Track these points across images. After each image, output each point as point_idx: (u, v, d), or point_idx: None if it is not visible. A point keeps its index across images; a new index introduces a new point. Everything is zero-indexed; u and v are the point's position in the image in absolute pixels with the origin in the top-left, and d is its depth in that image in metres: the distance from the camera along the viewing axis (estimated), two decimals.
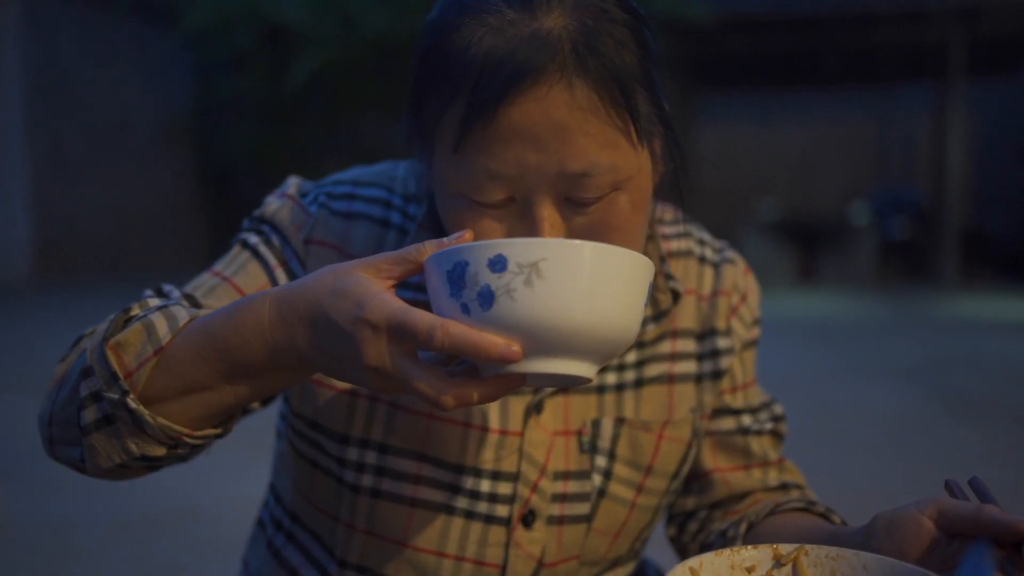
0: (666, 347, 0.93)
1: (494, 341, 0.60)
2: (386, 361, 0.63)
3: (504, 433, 0.87)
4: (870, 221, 12.16)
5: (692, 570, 0.67)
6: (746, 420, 0.97)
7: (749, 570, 0.70)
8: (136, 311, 0.77)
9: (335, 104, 11.84)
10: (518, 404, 0.88)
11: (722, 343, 0.95)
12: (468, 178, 0.74)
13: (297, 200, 0.91)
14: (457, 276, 0.61)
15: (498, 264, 0.60)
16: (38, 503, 3.00)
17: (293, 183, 0.94)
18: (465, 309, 0.61)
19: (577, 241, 0.61)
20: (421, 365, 0.63)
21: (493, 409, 0.87)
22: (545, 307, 0.60)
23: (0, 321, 8.09)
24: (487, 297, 0.60)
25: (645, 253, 0.91)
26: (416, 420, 0.86)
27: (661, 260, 0.91)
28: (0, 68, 11.32)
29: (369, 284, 0.64)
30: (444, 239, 0.67)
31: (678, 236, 0.97)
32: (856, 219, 12.19)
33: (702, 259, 0.97)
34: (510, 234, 0.76)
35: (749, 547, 0.70)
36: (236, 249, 0.91)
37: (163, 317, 0.75)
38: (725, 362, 0.95)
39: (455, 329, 0.60)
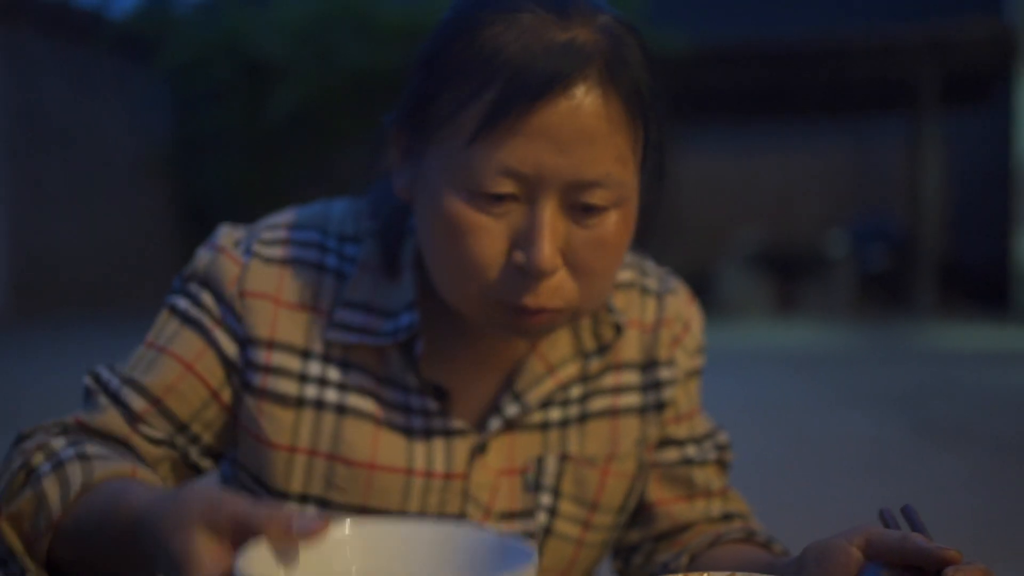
0: (609, 380, 0.93)
1: None
2: None
3: (448, 476, 0.86)
4: (848, 251, 12.26)
5: None
6: (690, 451, 0.96)
7: None
8: (38, 460, 0.76)
9: (314, 137, 11.88)
10: (462, 445, 0.87)
11: (665, 374, 0.94)
12: (479, 170, 0.74)
13: (229, 251, 0.89)
14: None
15: None
16: None
17: (224, 232, 0.91)
18: None
19: None
20: None
21: (437, 452, 0.86)
22: None
23: None
24: None
25: None
26: (356, 472, 0.85)
27: None
28: None
29: (200, 550, 0.58)
30: (305, 514, 0.58)
31: (622, 267, 0.96)
32: (834, 249, 12.28)
33: (644, 289, 0.96)
34: (509, 233, 0.76)
35: None
36: (165, 315, 0.89)
37: (56, 483, 0.74)
38: (668, 393, 0.94)
39: None
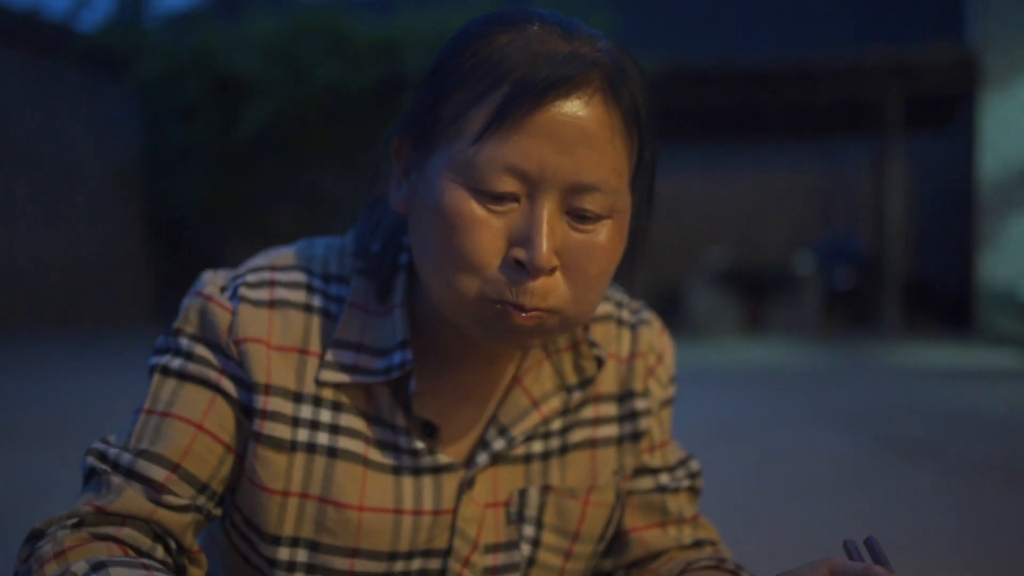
0: (589, 412, 0.95)
1: None
2: None
3: (436, 513, 0.87)
4: (815, 270, 12.40)
5: None
6: (664, 479, 0.99)
7: None
8: (51, 571, 0.76)
9: (286, 154, 11.84)
10: (451, 481, 0.88)
11: (640, 404, 0.97)
12: (483, 167, 0.76)
13: (216, 299, 0.88)
14: None
15: None
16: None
17: (207, 280, 0.90)
18: None
19: None
20: None
21: (426, 490, 0.87)
22: None
23: None
24: None
25: None
26: (347, 514, 0.85)
27: (584, 327, 0.93)
28: None
29: None
30: None
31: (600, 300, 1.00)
32: (801, 268, 12.41)
33: (620, 321, 0.99)
34: (508, 231, 0.78)
35: None
36: (157, 379, 0.87)
37: None
38: (644, 423, 0.97)
39: None
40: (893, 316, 11.61)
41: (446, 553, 0.88)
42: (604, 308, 0.99)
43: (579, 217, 0.79)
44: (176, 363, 0.86)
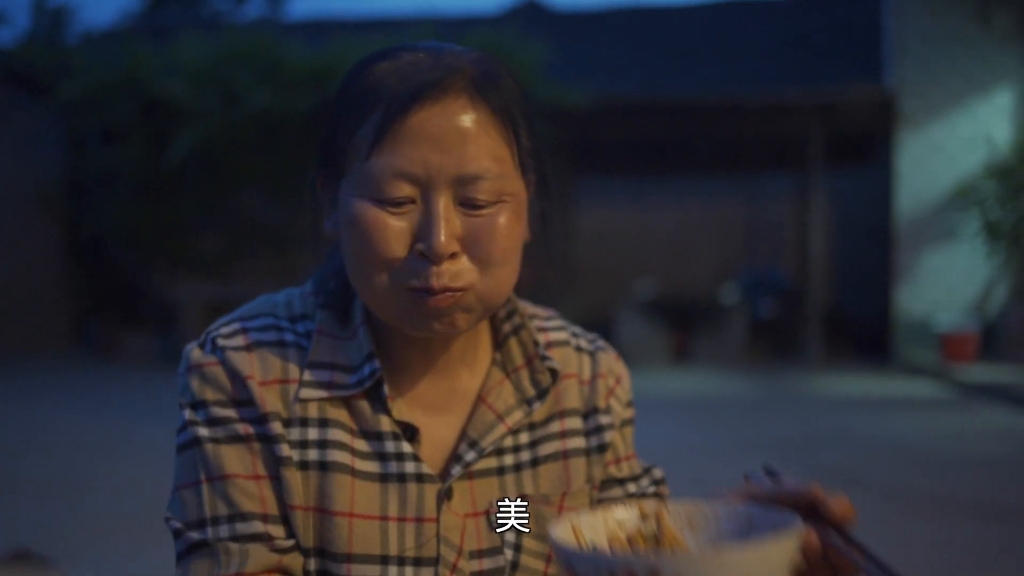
0: (556, 426, 1.02)
1: None
2: None
3: (420, 520, 0.93)
4: (740, 301, 12.66)
5: (573, 525, 0.76)
6: (631, 487, 1.07)
7: (619, 524, 0.79)
8: None
9: (216, 179, 11.66)
10: (430, 491, 0.94)
11: (604, 419, 1.05)
12: (378, 178, 0.86)
13: (204, 361, 0.93)
14: None
15: None
16: None
17: (189, 351, 0.95)
18: None
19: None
20: None
21: (411, 498, 0.93)
22: None
23: None
24: None
25: (520, 342, 1.02)
26: (339, 522, 0.91)
27: (536, 344, 1.02)
28: None
29: None
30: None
31: (556, 328, 1.08)
32: (727, 299, 12.66)
33: (579, 348, 1.08)
34: (413, 231, 0.87)
35: (618, 506, 0.80)
36: (195, 453, 0.92)
37: None
38: (608, 436, 1.04)
39: None
40: (815, 346, 11.90)
41: (435, 562, 0.93)
42: (561, 335, 1.07)
43: (473, 206, 0.87)
44: (205, 432, 0.92)
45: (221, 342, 0.93)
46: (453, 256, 0.87)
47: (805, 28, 14.43)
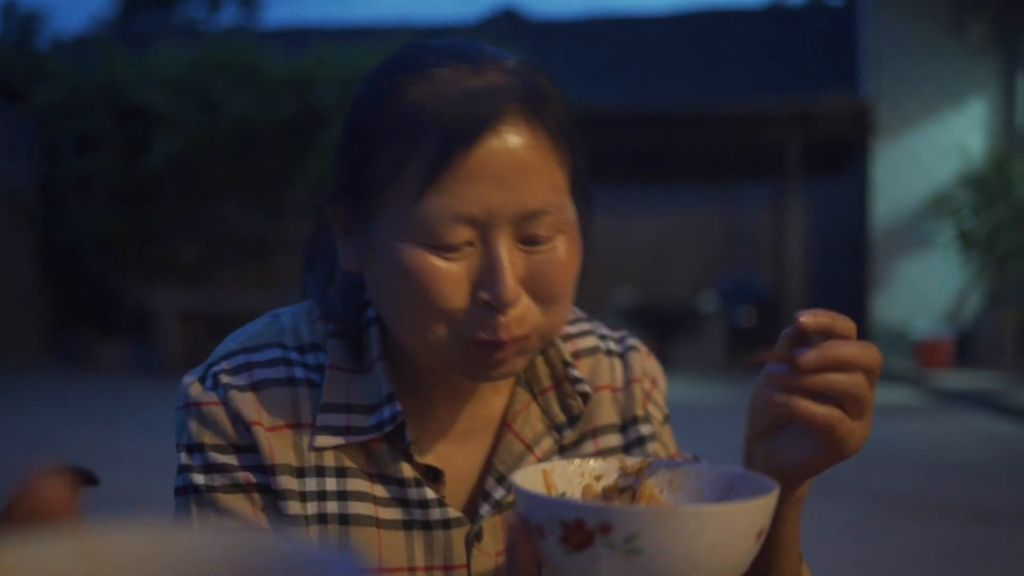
0: (588, 448, 0.95)
1: None
2: None
3: (449, 568, 0.87)
4: (718, 309, 12.71)
5: (545, 471, 0.73)
6: None
7: (597, 478, 0.76)
8: None
9: (193, 186, 11.59)
10: (458, 536, 0.88)
11: (644, 429, 0.98)
12: (433, 223, 0.77)
13: (204, 400, 0.85)
14: None
15: None
16: None
17: (188, 384, 0.87)
18: None
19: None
20: None
21: (437, 546, 0.87)
22: None
23: None
24: None
25: (547, 361, 0.94)
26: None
27: (565, 364, 0.94)
28: None
29: None
30: None
31: (582, 335, 1.00)
32: (705, 307, 12.71)
33: (608, 352, 1.00)
34: (469, 274, 0.79)
35: (598, 458, 0.76)
36: (192, 499, 0.85)
37: None
38: (651, 448, 0.98)
39: None
40: None
41: None
42: (589, 342, 0.99)
43: (534, 243, 0.80)
44: (201, 479, 0.84)
45: (224, 379, 0.85)
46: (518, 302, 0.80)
47: (782, 38, 14.55)
